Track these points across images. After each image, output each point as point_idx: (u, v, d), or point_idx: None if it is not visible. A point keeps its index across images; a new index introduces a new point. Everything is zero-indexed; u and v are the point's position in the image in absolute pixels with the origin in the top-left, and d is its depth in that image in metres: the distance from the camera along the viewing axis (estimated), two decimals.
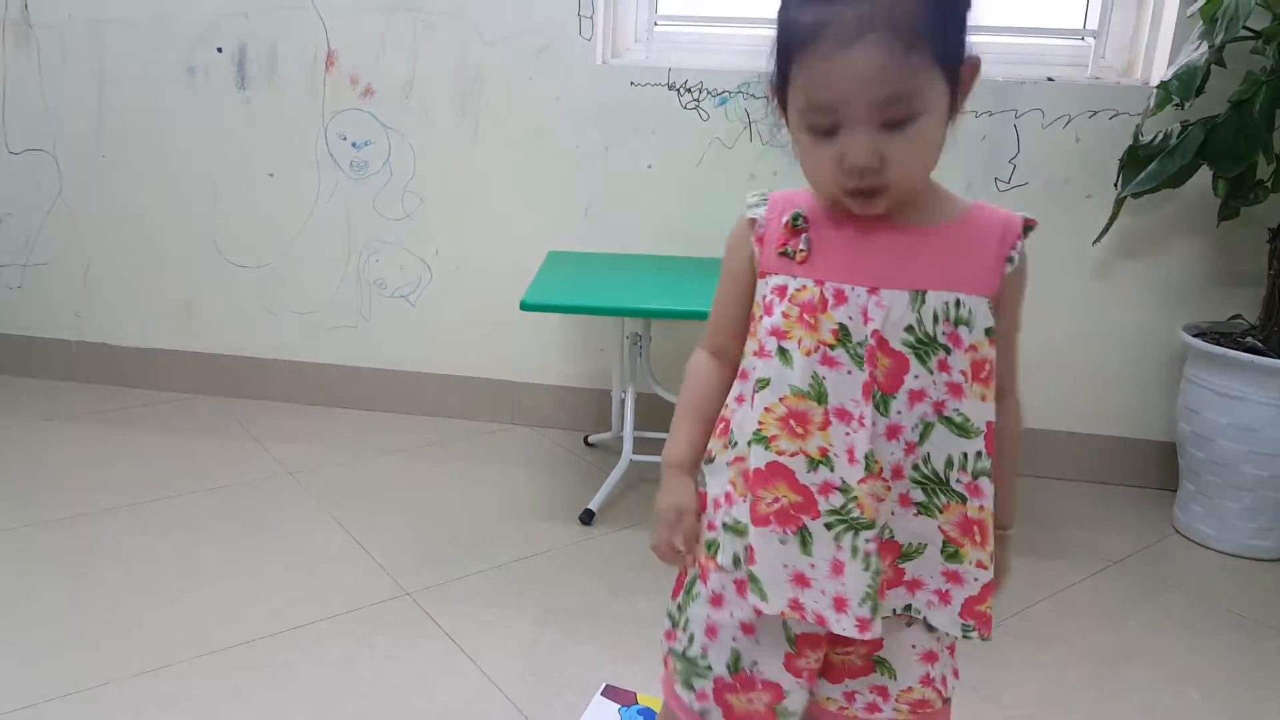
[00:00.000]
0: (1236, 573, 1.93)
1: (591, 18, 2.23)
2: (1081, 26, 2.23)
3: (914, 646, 0.85)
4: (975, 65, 0.75)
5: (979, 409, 0.78)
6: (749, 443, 0.80)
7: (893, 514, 0.79)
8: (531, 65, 2.27)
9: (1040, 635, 1.68)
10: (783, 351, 0.79)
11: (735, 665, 0.85)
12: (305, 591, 1.67)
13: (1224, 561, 1.97)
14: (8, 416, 2.44)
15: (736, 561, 0.83)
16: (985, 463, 0.78)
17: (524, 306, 1.81)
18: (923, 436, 0.78)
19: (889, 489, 0.78)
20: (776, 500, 0.79)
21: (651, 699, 1.40)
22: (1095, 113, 2.10)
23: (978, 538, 0.80)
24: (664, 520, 0.87)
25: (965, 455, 0.78)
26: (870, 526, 0.77)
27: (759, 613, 0.81)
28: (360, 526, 1.92)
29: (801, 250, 0.79)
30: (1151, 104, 1.93)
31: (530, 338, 2.45)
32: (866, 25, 0.68)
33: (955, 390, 0.77)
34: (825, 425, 0.77)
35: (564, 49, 2.25)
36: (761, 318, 0.82)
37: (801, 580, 0.79)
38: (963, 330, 0.77)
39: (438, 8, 2.28)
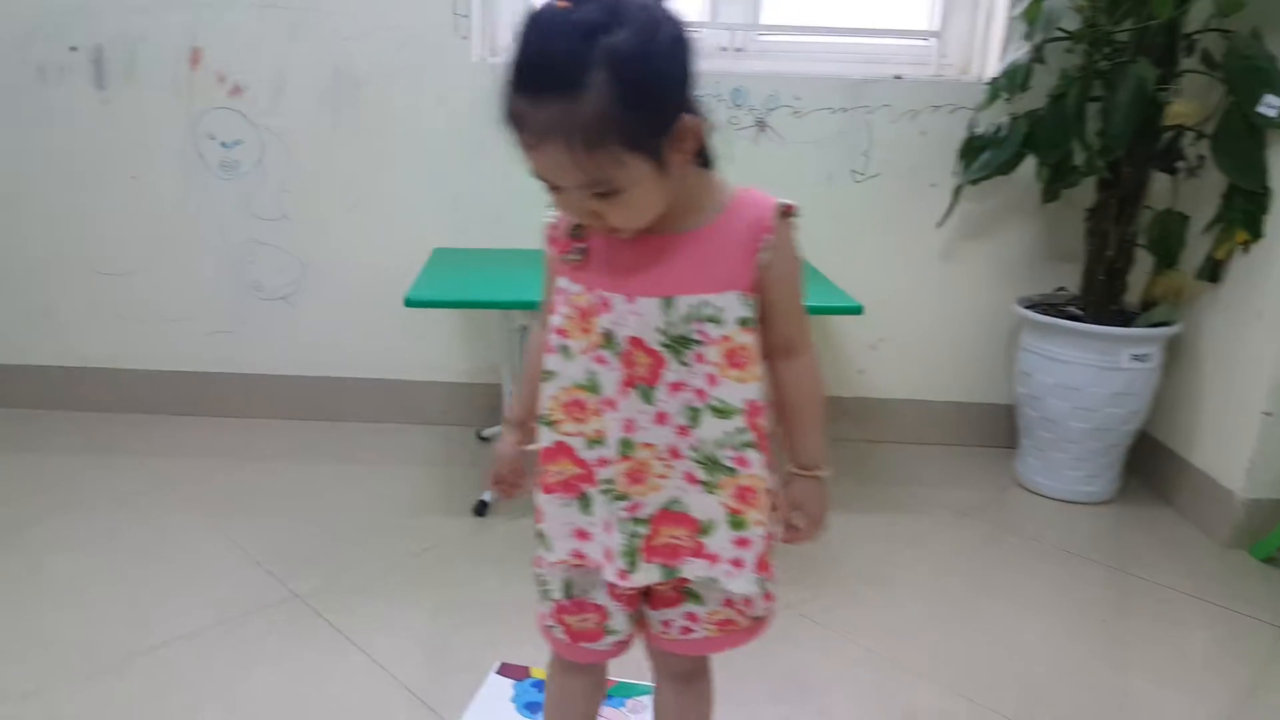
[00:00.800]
0: (1067, 516, 2.18)
1: (468, 17, 2.27)
2: (925, 28, 2.42)
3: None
4: (692, 124, 0.80)
5: (736, 390, 0.87)
6: (540, 423, 0.93)
7: (684, 490, 0.90)
8: (407, 64, 2.30)
9: (896, 579, 1.86)
10: (564, 349, 0.90)
11: (569, 592, 0.99)
12: (192, 601, 1.67)
13: (1057, 507, 2.22)
14: None
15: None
16: (748, 436, 0.89)
17: (409, 303, 1.83)
18: (694, 422, 0.88)
19: (669, 466, 0.89)
20: (561, 473, 0.92)
21: (544, 671, 1.48)
22: (938, 107, 2.30)
23: (753, 501, 0.91)
24: (495, 464, 1.05)
25: (728, 433, 0.88)
26: (624, 498, 0.90)
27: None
28: (245, 534, 1.91)
29: (576, 258, 0.89)
30: (983, 99, 2.14)
31: (418, 335, 2.48)
32: (549, 128, 0.75)
33: (712, 380, 0.87)
34: (599, 412, 0.89)
35: (440, 48, 2.28)
36: (550, 311, 0.92)
37: (583, 535, 0.94)
38: (710, 327, 0.86)
39: (308, 5, 2.27)
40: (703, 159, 0.88)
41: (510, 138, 0.79)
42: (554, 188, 0.81)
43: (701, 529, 0.92)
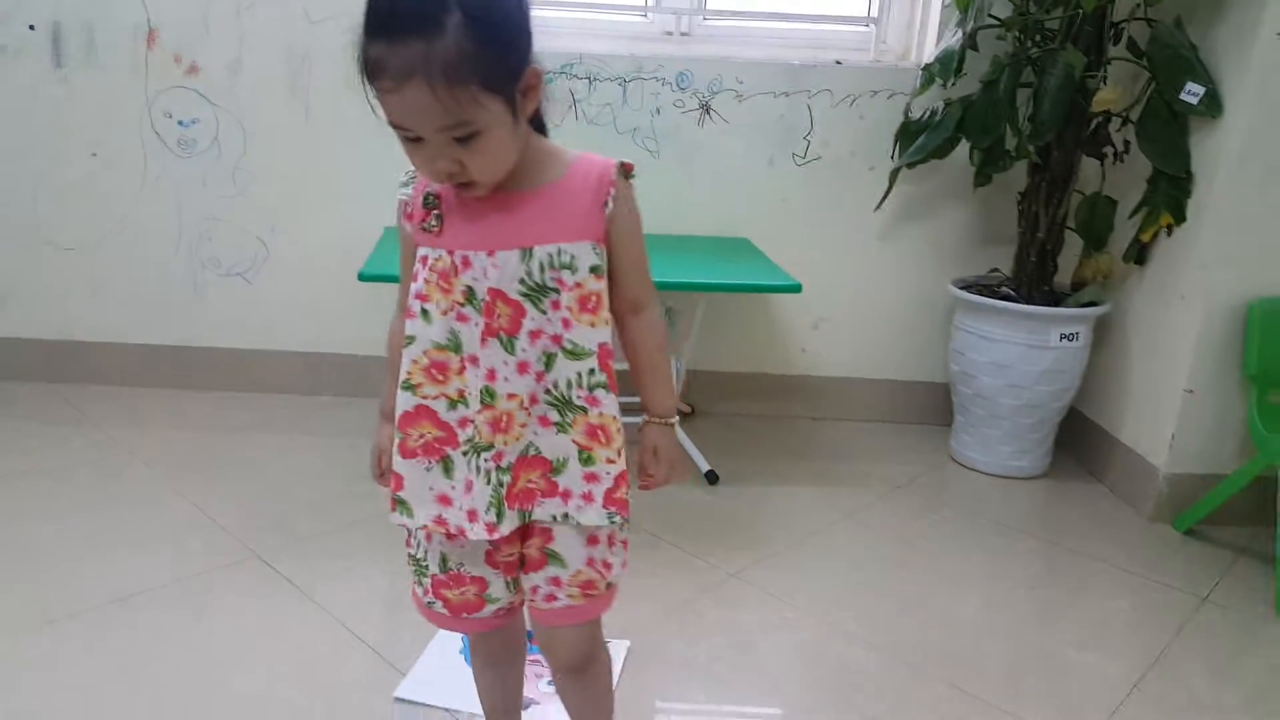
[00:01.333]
0: (998, 490, 2.25)
1: None
2: (865, 14, 2.48)
3: (577, 534, 1.00)
4: (535, 73, 0.86)
5: (588, 334, 0.93)
6: (400, 389, 0.95)
7: (537, 434, 0.95)
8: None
9: (834, 548, 1.93)
10: (424, 312, 0.92)
11: (444, 566, 1.01)
12: (152, 560, 1.73)
13: (990, 481, 2.29)
14: None
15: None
16: (599, 377, 0.94)
17: (361, 277, 1.89)
18: (548, 366, 0.93)
19: (529, 414, 0.94)
20: (422, 436, 0.95)
21: None
22: (876, 92, 2.36)
23: (603, 439, 0.96)
24: (373, 457, 1.06)
25: (580, 374, 0.94)
26: (489, 448, 0.93)
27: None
28: (205, 497, 1.98)
29: (434, 225, 0.92)
30: (918, 84, 2.20)
31: (373, 311, 2.51)
32: (410, 69, 0.77)
33: (566, 324, 0.92)
34: (461, 370, 0.92)
35: None
36: (412, 282, 0.95)
37: (445, 500, 0.96)
38: (566, 274, 0.91)
39: None
40: (539, 126, 0.94)
41: (371, 89, 0.81)
42: (414, 140, 0.83)
43: (554, 468, 0.96)
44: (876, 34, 2.47)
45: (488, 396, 0.92)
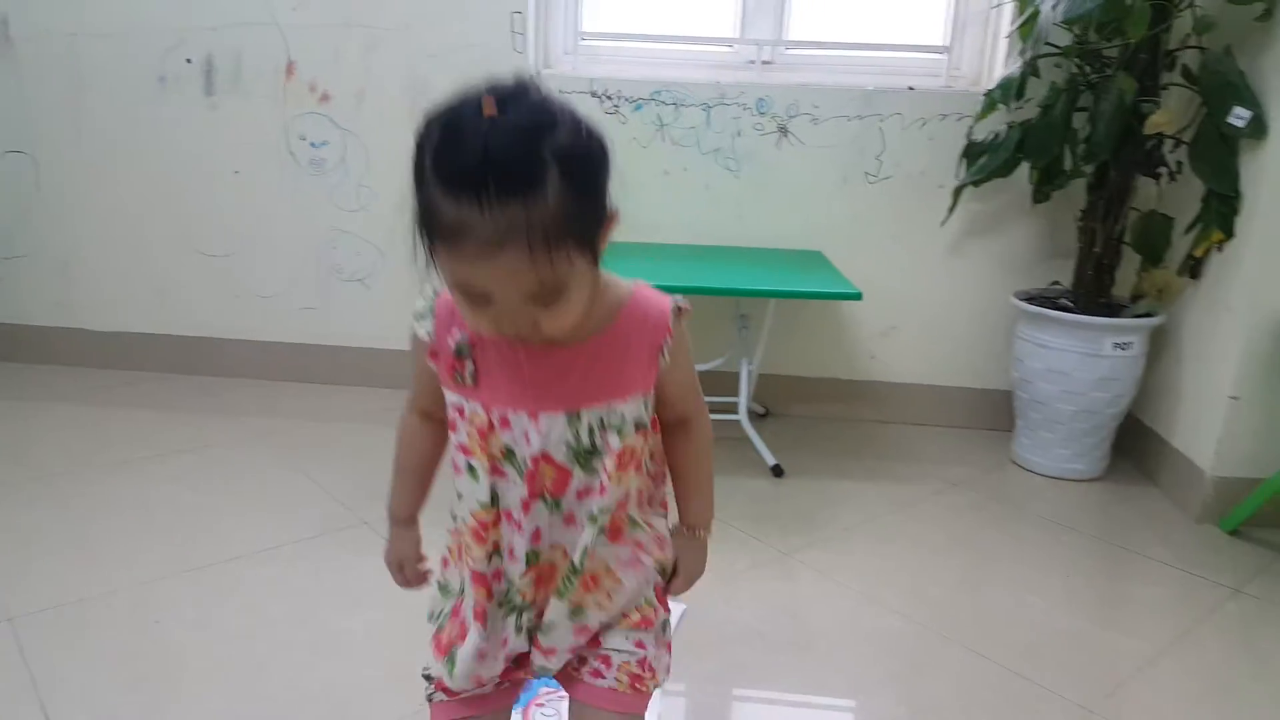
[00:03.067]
0: (1052, 490, 2.38)
1: (524, 34, 2.58)
2: (939, 43, 2.65)
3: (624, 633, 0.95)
4: (615, 215, 0.77)
5: (615, 493, 0.87)
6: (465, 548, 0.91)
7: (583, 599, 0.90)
8: (472, 75, 2.61)
9: (884, 535, 2.10)
10: (470, 469, 0.86)
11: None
12: (278, 523, 2.00)
13: (1046, 483, 2.42)
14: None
15: (432, 616, 0.98)
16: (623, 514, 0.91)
17: None
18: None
19: (566, 562, 0.89)
20: (477, 601, 0.90)
21: None
22: (945, 116, 2.53)
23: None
24: (391, 569, 1.04)
25: (585, 549, 0.88)
26: (529, 608, 0.90)
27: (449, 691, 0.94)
28: (323, 474, 2.25)
29: (469, 381, 0.84)
30: (980, 108, 2.36)
31: None
32: (508, 234, 0.68)
33: (601, 488, 0.86)
34: (497, 523, 0.87)
35: (500, 61, 2.60)
36: (452, 428, 0.88)
37: (482, 656, 0.91)
38: (612, 436, 0.85)
39: (387, 24, 2.61)
40: None
41: (442, 250, 0.72)
42: (484, 303, 0.73)
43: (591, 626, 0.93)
44: (949, 61, 2.63)
45: (534, 559, 0.88)
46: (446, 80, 2.73)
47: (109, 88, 2.75)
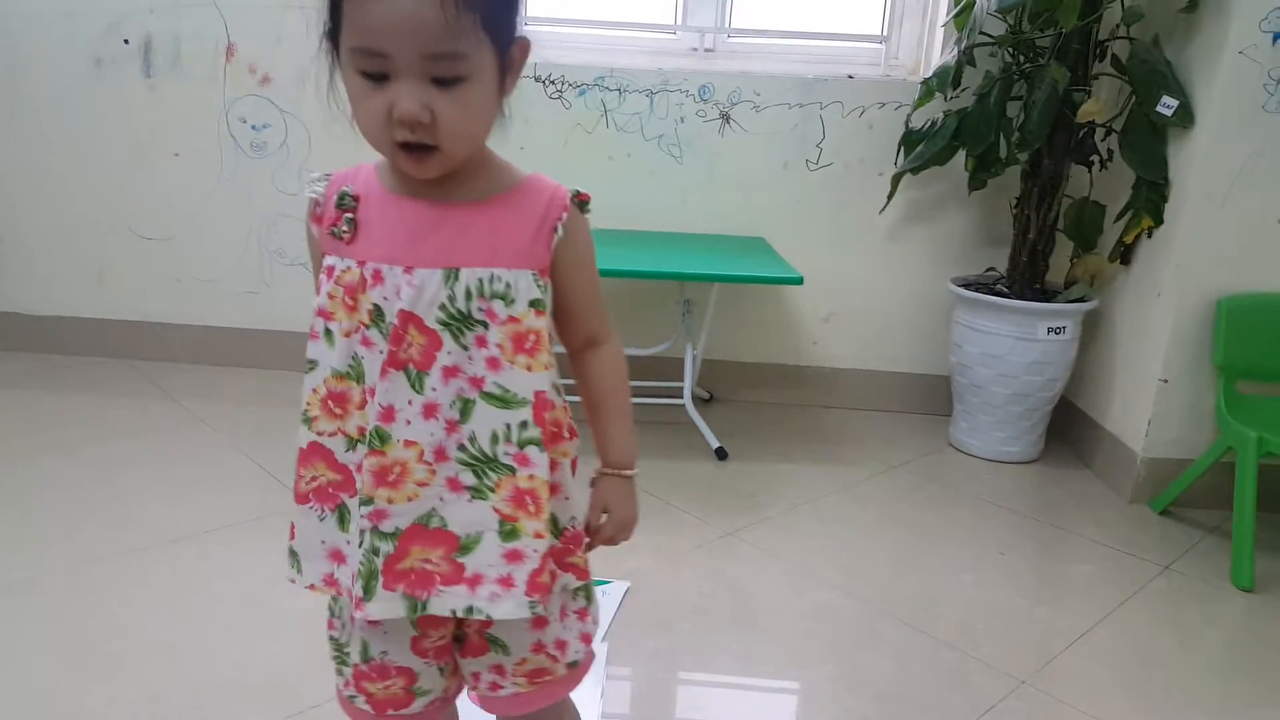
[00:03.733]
0: (988, 472, 2.42)
1: None
2: (877, 33, 2.68)
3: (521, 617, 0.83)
4: (525, 46, 0.76)
5: (523, 379, 0.78)
6: (299, 423, 0.82)
7: (443, 500, 0.78)
8: None
9: (825, 515, 2.12)
10: (328, 333, 0.79)
11: (366, 655, 0.86)
12: (219, 506, 1.99)
13: (983, 465, 2.46)
14: None
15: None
16: (533, 432, 0.78)
17: None
18: (464, 415, 0.77)
19: (433, 472, 0.78)
20: (315, 478, 0.81)
21: None
22: (884, 104, 2.56)
23: (531, 508, 0.79)
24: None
25: (509, 426, 0.78)
26: (368, 503, 0.78)
27: (312, 587, 0.85)
28: (267, 458, 2.24)
29: (346, 230, 0.78)
30: (918, 97, 2.40)
31: None
32: None
33: (493, 364, 0.77)
34: (363, 405, 0.78)
35: None
36: (317, 292, 0.81)
37: (338, 556, 0.82)
38: (498, 305, 0.77)
39: None
40: None
41: (348, 10, 0.71)
42: (378, 79, 0.71)
43: (461, 546, 0.79)
44: (887, 50, 2.66)
45: (378, 439, 0.77)
46: None
47: (45, 69, 2.69)
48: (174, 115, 2.71)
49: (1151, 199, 2.21)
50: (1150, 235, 2.24)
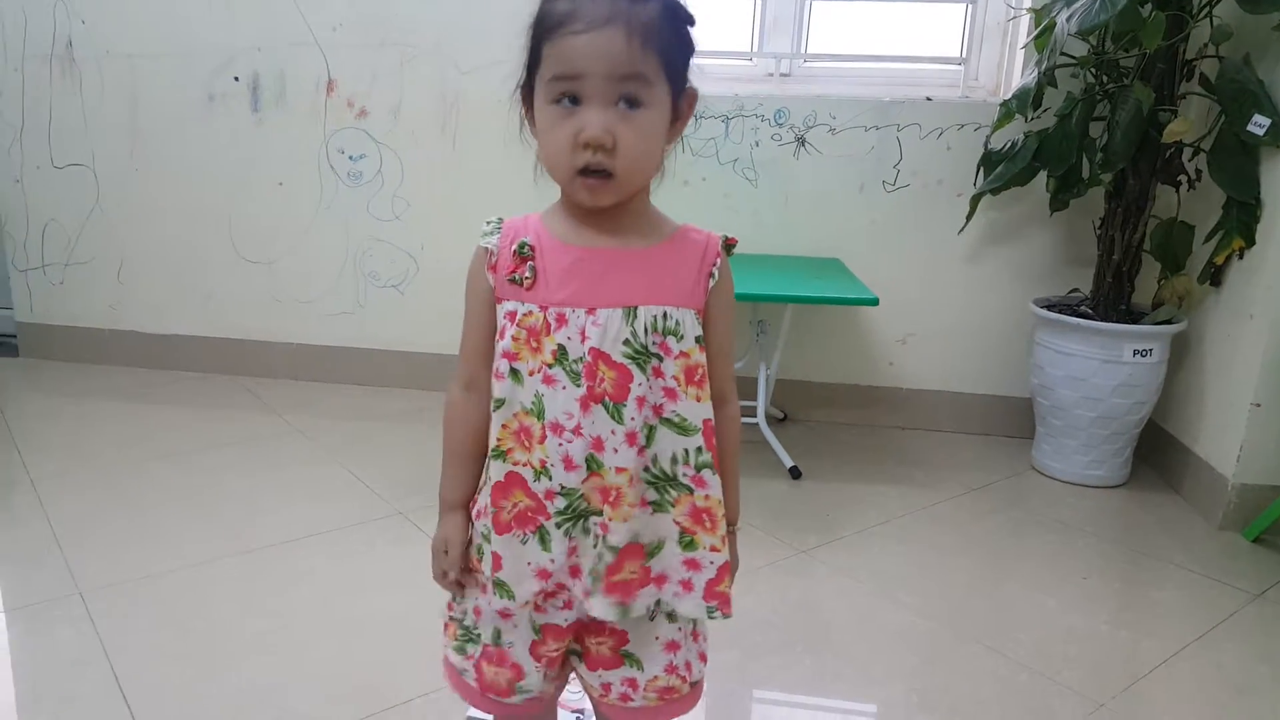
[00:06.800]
0: (1073, 496, 2.38)
1: None
2: (957, 55, 2.69)
3: (657, 638, 0.94)
4: (693, 97, 0.86)
5: (695, 409, 0.86)
6: (490, 457, 0.88)
7: (640, 520, 0.87)
8: (500, 90, 2.70)
9: (901, 536, 2.12)
10: (514, 372, 0.85)
11: (496, 639, 0.95)
12: (317, 512, 2.10)
13: (1065, 489, 2.42)
14: (55, 394, 2.87)
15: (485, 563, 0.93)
16: (706, 456, 0.87)
17: None
18: (649, 439, 0.85)
19: (638, 496, 0.86)
20: (516, 505, 0.87)
21: None
22: (963, 125, 2.56)
23: (708, 524, 0.88)
24: (435, 553, 0.97)
25: (687, 451, 0.86)
26: (598, 514, 0.85)
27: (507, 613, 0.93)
28: (361, 467, 2.35)
29: (528, 277, 0.86)
30: (997, 118, 2.39)
31: None
32: (612, 17, 0.78)
33: (670, 394, 0.85)
34: (542, 439, 0.84)
35: None
36: (498, 341, 0.88)
37: (544, 574, 0.88)
38: (671, 340, 0.85)
39: (421, 43, 2.72)
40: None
41: (548, 43, 0.82)
42: (573, 102, 0.81)
43: (647, 553, 0.88)
44: (966, 72, 2.66)
45: (594, 465, 0.84)
46: (476, 95, 2.84)
47: (162, 105, 2.90)
48: (278, 147, 2.87)
49: (1243, 219, 2.16)
50: (1241, 256, 2.19)
